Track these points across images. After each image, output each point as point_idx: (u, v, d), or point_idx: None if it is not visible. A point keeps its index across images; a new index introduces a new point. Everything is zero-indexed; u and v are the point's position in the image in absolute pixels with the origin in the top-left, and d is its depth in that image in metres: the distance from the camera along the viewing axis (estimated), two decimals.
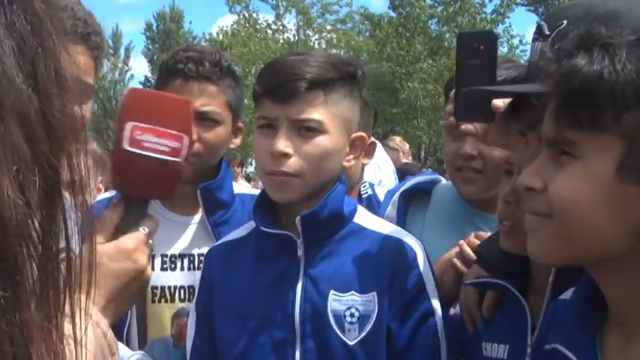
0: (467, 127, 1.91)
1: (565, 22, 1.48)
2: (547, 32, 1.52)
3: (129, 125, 1.26)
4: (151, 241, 1.36)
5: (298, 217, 1.75)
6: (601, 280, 1.15)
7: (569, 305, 1.25)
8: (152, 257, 2.09)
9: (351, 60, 1.90)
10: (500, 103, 1.65)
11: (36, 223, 0.57)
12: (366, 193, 2.70)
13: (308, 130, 1.74)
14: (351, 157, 1.85)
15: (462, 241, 1.92)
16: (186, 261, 2.16)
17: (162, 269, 2.14)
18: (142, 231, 1.31)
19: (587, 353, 1.13)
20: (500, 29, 31.89)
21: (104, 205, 2.24)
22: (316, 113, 1.74)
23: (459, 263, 1.91)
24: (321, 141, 1.75)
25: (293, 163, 1.73)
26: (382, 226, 1.90)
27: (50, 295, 0.60)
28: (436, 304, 1.81)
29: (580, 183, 1.06)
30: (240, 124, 2.30)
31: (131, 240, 1.30)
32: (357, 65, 1.86)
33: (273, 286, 1.80)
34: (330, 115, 1.75)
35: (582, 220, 1.06)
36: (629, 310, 1.10)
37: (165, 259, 2.15)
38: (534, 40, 1.58)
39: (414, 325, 1.78)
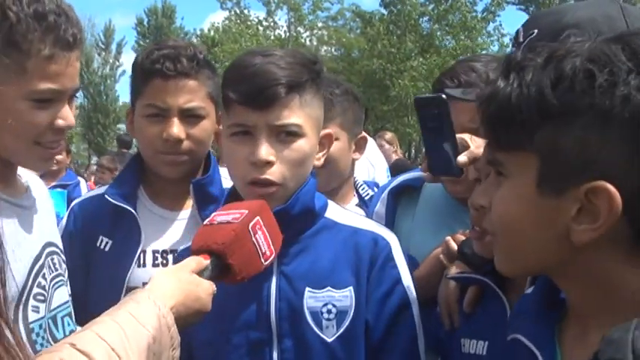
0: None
1: (536, 31, 1.53)
2: (521, 40, 1.57)
3: (258, 218, 1.59)
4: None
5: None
6: (557, 283, 1.21)
7: (529, 299, 1.31)
8: (143, 253, 2.13)
9: (314, 57, 1.85)
10: (464, 159, 1.76)
11: None
12: (367, 194, 2.70)
13: (288, 134, 1.72)
14: (320, 155, 1.85)
15: (448, 237, 1.94)
16: None
17: (154, 265, 2.14)
18: (213, 285, 1.51)
19: (545, 343, 1.18)
20: (490, 27, 32.05)
21: (87, 203, 2.26)
22: (294, 117, 1.72)
23: (444, 259, 1.93)
24: (301, 145, 1.73)
25: (275, 171, 1.71)
26: (354, 220, 1.88)
27: None
28: (412, 295, 1.81)
29: (509, 201, 1.13)
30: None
31: (210, 286, 1.49)
32: (320, 61, 1.84)
33: (246, 286, 1.70)
34: (305, 116, 1.74)
35: (517, 236, 1.14)
36: (585, 307, 1.16)
37: (156, 254, 2.15)
38: (512, 45, 1.62)
39: (391, 317, 1.78)
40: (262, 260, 1.59)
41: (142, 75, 2.15)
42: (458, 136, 1.81)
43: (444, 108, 1.75)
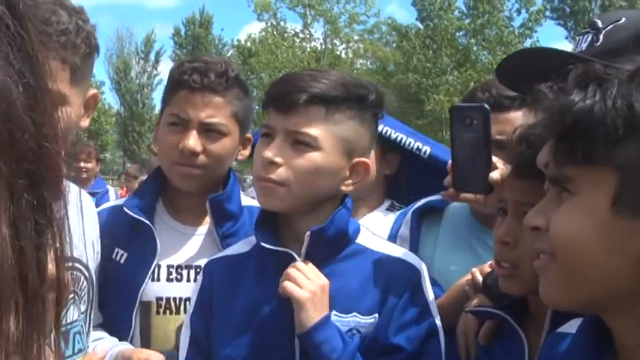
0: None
1: (624, 19, 1.52)
2: (601, 25, 1.55)
3: None
4: None
5: (308, 233, 1.72)
6: (614, 326, 1.11)
7: (575, 344, 1.21)
8: (158, 267, 2.11)
9: (367, 84, 1.85)
10: (497, 175, 1.67)
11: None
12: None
13: (301, 143, 1.72)
14: (350, 182, 1.80)
15: (474, 269, 1.88)
16: (192, 272, 2.12)
17: (168, 280, 2.11)
18: None
19: None
20: (527, 43, 31.79)
21: (105, 214, 2.20)
22: (314, 129, 1.71)
23: (470, 290, 1.87)
24: (313, 157, 1.72)
25: (280, 173, 1.71)
26: (385, 246, 1.87)
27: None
28: (439, 324, 1.79)
29: (576, 219, 1.04)
30: (249, 135, 2.26)
31: None
32: (372, 90, 1.81)
33: (274, 305, 1.76)
34: (328, 133, 1.72)
35: (581, 257, 1.04)
36: None
37: (171, 269, 2.12)
38: (584, 33, 1.60)
39: (420, 342, 1.75)
40: None
41: (172, 85, 2.16)
42: None
43: (486, 119, 1.69)
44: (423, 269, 1.83)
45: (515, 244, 1.57)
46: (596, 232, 1.02)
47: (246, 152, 2.26)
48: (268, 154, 1.71)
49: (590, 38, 1.57)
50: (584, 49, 1.57)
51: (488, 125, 1.69)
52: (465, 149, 1.74)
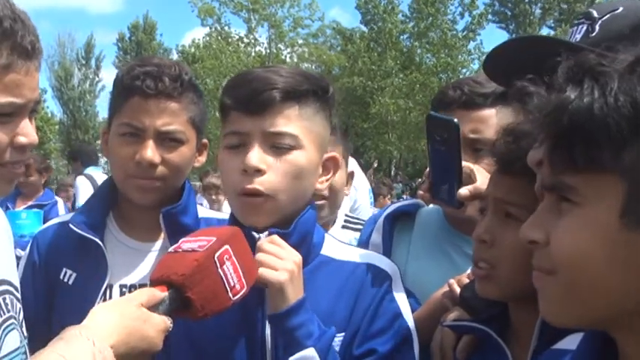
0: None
1: (621, 8, 1.46)
2: (596, 15, 1.49)
3: (227, 247, 1.46)
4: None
5: (266, 232, 1.60)
6: (623, 342, 1.02)
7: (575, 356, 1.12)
8: (110, 288, 1.99)
9: (323, 77, 1.76)
10: (466, 192, 1.66)
11: None
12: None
13: (283, 144, 1.60)
14: (324, 179, 1.71)
15: (452, 280, 1.80)
16: None
17: None
18: (168, 321, 1.39)
19: None
20: (471, 46, 32.23)
21: (52, 232, 2.11)
22: (291, 126, 1.60)
23: (448, 303, 1.79)
24: (297, 157, 1.61)
25: (267, 180, 1.58)
26: (352, 254, 1.76)
27: None
28: (413, 329, 1.69)
29: (582, 234, 0.94)
30: (205, 141, 2.13)
31: (162, 322, 1.37)
32: (329, 82, 1.73)
33: (240, 324, 1.64)
34: (304, 129, 1.62)
35: (588, 274, 0.95)
36: None
37: (124, 289, 1.98)
38: (578, 24, 1.54)
39: (392, 351, 1.64)
40: (230, 295, 1.44)
41: (122, 92, 1.99)
42: (464, 164, 1.69)
43: (454, 134, 1.63)
44: (395, 272, 1.73)
45: (492, 242, 1.50)
46: (605, 247, 0.93)
47: (203, 159, 2.14)
48: (252, 160, 1.57)
49: (584, 29, 1.49)
50: (578, 40, 1.50)
51: (458, 140, 1.64)
52: (438, 160, 1.70)
